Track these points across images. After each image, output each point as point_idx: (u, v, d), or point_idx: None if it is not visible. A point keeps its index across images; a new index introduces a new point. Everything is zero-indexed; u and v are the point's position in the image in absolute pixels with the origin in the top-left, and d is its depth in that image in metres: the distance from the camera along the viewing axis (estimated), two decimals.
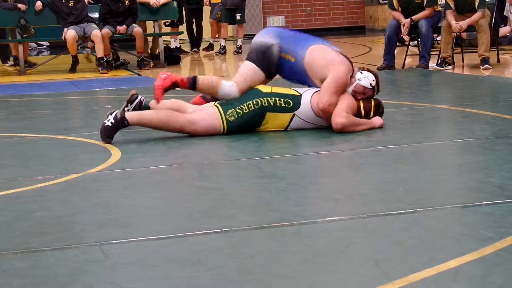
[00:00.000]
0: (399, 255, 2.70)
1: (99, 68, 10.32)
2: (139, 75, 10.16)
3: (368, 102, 5.18)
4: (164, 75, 5.25)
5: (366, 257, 2.67)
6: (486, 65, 8.81)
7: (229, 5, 12.70)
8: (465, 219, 3.13)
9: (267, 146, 4.79)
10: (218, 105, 5.12)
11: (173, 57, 11.32)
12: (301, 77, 5.27)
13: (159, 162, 4.40)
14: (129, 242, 2.94)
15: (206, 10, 13.32)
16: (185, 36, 13.23)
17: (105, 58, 10.37)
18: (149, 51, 11.65)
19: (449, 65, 9.09)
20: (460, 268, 2.52)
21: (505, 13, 11.53)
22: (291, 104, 5.10)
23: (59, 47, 11.92)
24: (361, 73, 5.21)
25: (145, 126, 5.11)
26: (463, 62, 9.41)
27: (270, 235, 2.99)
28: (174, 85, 5.23)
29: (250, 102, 5.08)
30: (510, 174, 3.79)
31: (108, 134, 4.98)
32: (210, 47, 13.51)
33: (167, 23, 12.35)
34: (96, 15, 10.83)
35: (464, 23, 8.82)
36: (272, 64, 5.25)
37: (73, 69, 10.59)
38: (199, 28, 13.16)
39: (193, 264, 2.67)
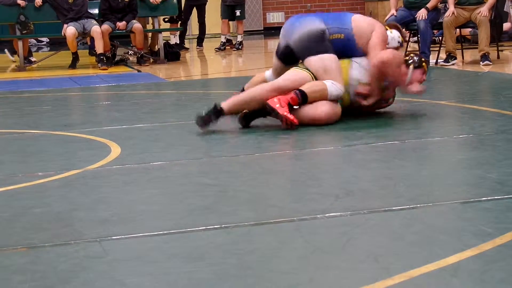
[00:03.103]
0: (399, 250, 2.70)
1: (99, 64, 10.32)
2: (139, 71, 10.15)
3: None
4: (275, 100, 4.95)
5: (366, 252, 2.68)
6: (486, 61, 8.81)
7: (228, 1, 12.68)
8: (465, 215, 3.13)
9: (267, 142, 4.79)
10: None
11: (172, 53, 11.32)
12: (350, 51, 5.26)
13: (158, 158, 4.39)
14: (129, 238, 2.94)
15: (209, 6, 13.29)
16: (194, 32, 13.17)
17: (105, 54, 10.37)
18: (148, 47, 11.64)
19: (455, 58, 9.11)
20: (460, 264, 2.52)
21: (505, 9, 11.52)
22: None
23: (59, 43, 11.91)
24: (391, 32, 5.43)
25: (240, 110, 5.14)
26: (463, 58, 9.41)
27: (270, 231, 2.99)
28: (289, 106, 4.99)
29: None
30: (510, 170, 3.79)
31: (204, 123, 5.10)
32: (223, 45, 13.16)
33: (166, 19, 12.34)
34: (96, 11, 10.82)
35: (484, 10, 8.80)
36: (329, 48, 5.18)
37: (73, 65, 10.59)
38: (202, 24, 13.12)
39: (193, 260, 2.67)
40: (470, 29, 10.57)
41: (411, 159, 4.23)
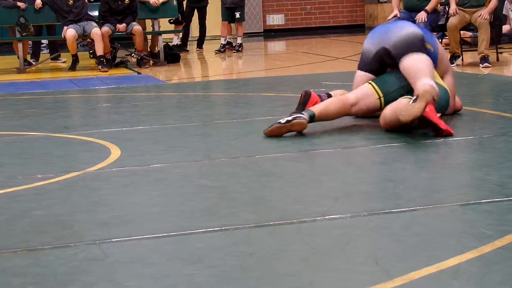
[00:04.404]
0: (399, 253, 2.70)
1: (99, 66, 10.32)
2: (139, 73, 10.15)
3: None
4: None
5: (366, 255, 2.67)
6: (486, 63, 8.81)
7: (228, 3, 12.69)
8: (465, 217, 3.13)
9: (267, 144, 4.79)
10: (373, 84, 5.08)
11: (172, 55, 11.32)
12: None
13: (158, 161, 4.39)
14: (129, 241, 2.94)
15: (210, 8, 13.30)
16: (194, 34, 13.20)
17: (105, 56, 10.37)
18: (148, 49, 11.65)
19: (459, 57, 9.13)
20: (460, 266, 2.52)
21: (504, 12, 11.53)
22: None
23: (59, 45, 11.92)
24: None
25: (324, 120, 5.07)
26: (462, 60, 9.41)
27: (270, 233, 2.98)
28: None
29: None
30: (510, 172, 3.79)
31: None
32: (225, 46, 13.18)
33: (171, 21, 12.31)
34: (96, 13, 10.82)
35: (485, 13, 8.82)
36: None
37: (73, 67, 10.59)
38: (203, 26, 13.13)
39: (193, 262, 2.67)
40: (470, 33, 10.59)
41: (411, 161, 4.23)
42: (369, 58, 5.22)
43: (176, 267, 2.64)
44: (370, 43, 5.25)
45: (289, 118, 4.85)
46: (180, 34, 13.04)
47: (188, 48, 13.38)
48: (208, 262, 2.65)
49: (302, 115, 4.87)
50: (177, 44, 12.79)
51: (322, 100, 5.12)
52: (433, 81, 4.84)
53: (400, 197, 3.42)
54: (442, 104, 5.11)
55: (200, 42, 13.36)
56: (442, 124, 4.68)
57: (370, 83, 5.12)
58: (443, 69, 5.39)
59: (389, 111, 4.82)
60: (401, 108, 4.62)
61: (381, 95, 5.07)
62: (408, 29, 5.14)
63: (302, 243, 2.85)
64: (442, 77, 5.38)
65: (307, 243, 2.85)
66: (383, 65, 5.18)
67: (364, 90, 5.09)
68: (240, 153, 4.53)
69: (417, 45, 5.04)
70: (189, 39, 13.60)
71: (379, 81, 5.12)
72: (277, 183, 3.82)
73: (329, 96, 5.18)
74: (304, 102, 5.12)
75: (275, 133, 4.87)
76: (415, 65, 4.95)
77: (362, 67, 5.27)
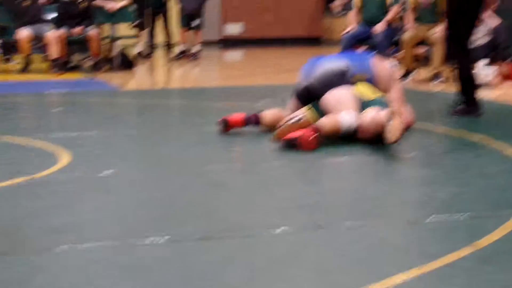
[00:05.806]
0: (346, 267, 2.71)
1: (53, 70, 10.20)
2: (93, 78, 10.06)
3: None
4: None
5: (312, 268, 2.68)
6: (439, 80, 8.93)
7: (187, 10, 12.66)
8: (412, 233, 3.16)
9: (218, 154, 4.78)
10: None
11: (127, 62, 11.24)
12: None
13: (109, 167, 4.35)
14: (75, 249, 2.90)
15: (169, 15, 13.23)
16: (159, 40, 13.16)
17: (59, 60, 10.26)
18: (104, 54, 11.54)
19: (412, 72, 9.24)
20: (405, 283, 2.55)
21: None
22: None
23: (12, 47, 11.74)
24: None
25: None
26: (415, 76, 9.53)
27: (219, 244, 2.98)
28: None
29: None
30: (456, 189, 3.84)
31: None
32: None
33: (134, 24, 12.20)
34: (52, 16, 10.70)
35: (440, 29, 8.93)
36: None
37: (25, 69, 10.44)
38: (167, 31, 13.12)
39: (138, 272, 2.64)
40: (424, 49, 10.71)
41: (361, 175, 4.26)
42: (299, 90, 5.37)
43: (122, 277, 2.61)
44: (302, 75, 5.40)
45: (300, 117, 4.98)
46: (143, 40, 12.96)
47: (152, 55, 13.18)
48: (155, 273, 2.63)
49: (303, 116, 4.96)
50: (139, 51, 12.74)
51: (247, 120, 5.28)
52: (353, 113, 4.97)
53: (349, 211, 3.45)
54: None
55: (169, 46, 13.30)
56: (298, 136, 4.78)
57: (309, 107, 5.18)
58: (384, 87, 5.46)
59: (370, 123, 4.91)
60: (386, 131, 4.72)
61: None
62: (333, 64, 5.29)
63: (250, 256, 2.85)
64: (385, 89, 5.47)
65: (255, 255, 2.85)
66: (311, 98, 5.27)
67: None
68: (192, 163, 4.51)
69: (339, 81, 5.17)
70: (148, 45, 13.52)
71: (314, 106, 5.20)
72: (227, 194, 3.82)
73: (257, 117, 5.31)
74: (223, 129, 5.31)
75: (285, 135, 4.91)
76: (334, 99, 5.09)
77: (295, 95, 5.40)
